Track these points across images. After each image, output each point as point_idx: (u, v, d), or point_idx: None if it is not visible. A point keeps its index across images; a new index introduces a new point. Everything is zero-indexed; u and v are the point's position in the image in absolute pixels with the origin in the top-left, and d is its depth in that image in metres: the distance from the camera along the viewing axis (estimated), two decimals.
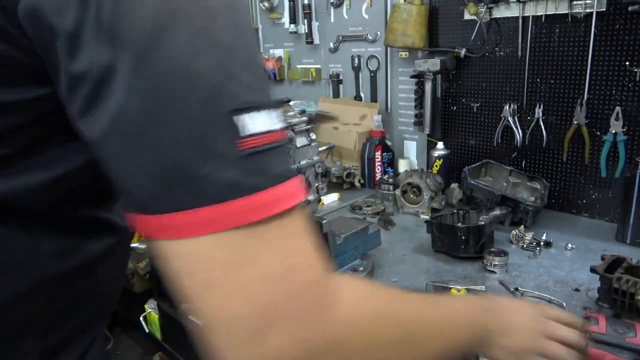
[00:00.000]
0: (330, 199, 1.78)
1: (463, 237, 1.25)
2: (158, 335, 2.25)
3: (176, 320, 2.03)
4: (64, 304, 0.56)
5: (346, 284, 0.46)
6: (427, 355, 0.52)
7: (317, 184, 1.04)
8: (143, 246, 2.23)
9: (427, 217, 1.56)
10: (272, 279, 0.40)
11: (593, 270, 0.99)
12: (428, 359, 0.52)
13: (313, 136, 1.01)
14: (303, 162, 1.00)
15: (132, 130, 0.38)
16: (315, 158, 1.02)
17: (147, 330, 2.26)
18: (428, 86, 1.74)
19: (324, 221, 1.06)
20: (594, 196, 1.50)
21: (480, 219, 1.35)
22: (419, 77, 1.79)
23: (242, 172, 0.39)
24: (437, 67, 1.67)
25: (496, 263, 1.19)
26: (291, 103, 2.16)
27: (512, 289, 1.10)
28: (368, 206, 1.71)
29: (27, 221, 0.50)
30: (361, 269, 1.18)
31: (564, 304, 1.04)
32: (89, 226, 0.56)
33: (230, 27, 0.41)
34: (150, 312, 2.27)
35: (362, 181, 1.91)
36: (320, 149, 1.08)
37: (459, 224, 1.30)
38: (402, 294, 0.56)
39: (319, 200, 1.07)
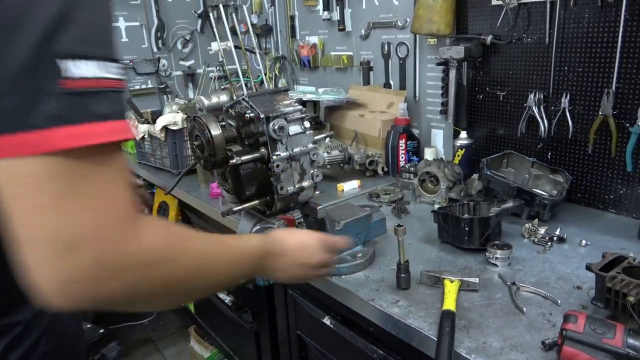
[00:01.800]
0: (351, 185, 1.81)
1: (467, 228, 1.23)
2: (191, 308, 2.39)
3: (207, 297, 2.15)
4: None
5: (152, 225, 0.56)
6: (215, 282, 0.71)
7: (312, 171, 1.07)
8: None
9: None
10: (88, 208, 0.49)
11: (588, 267, 0.96)
12: (216, 285, 0.75)
13: (307, 124, 1.04)
14: (297, 150, 1.02)
15: None
16: (310, 146, 1.05)
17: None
18: (452, 74, 1.70)
19: (319, 207, 1.09)
20: (621, 191, 1.42)
21: (491, 210, 1.33)
22: (445, 64, 1.75)
23: (62, 107, 0.47)
24: (461, 55, 1.63)
25: (498, 256, 1.17)
26: (320, 90, 2.19)
27: (508, 283, 1.08)
28: (386, 194, 1.72)
29: None
30: (359, 255, 1.21)
31: (559, 300, 1.01)
32: None
33: None
34: None
35: (385, 169, 1.92)
36: (317, 137, 1.10)
37: (465, 215, 1.29)
38: (199, 234, 0.67)
39: (315, 187, 1.10)
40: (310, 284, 1.26)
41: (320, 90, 2.19)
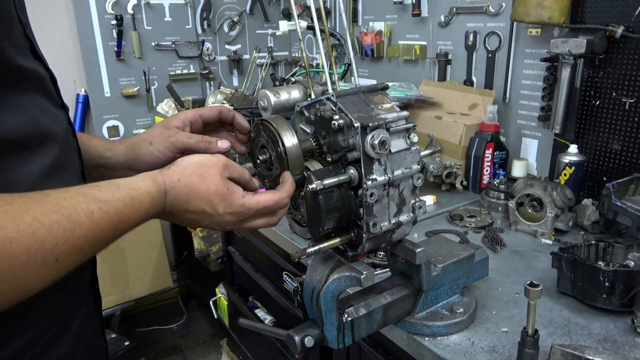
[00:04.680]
0: (426, 202, 1.50)
1: (607, 284, 0.92)
2: (226, 321, 2.16)
3: (243, 312, 1.90)
4: None
5: None
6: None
7: (413, 201, 0.78)
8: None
9: (549, 241, 1.24)
10: None
11: None
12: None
13: (415, 138, 0.75)
14: (398, 173, 0.74)
15: None
16: (415, 167, 0.76)
17: (215, 316, 2.18)
18: (565, 73, 1.37)
19: (419, 250, 0.80)
20: None
21: (629, 256, 1.01)
22: (553, 61, 1.42)
23: None
24: (582, 49, 1.30)
25: None
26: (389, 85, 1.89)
27: None
28: (471, 216, 1.41)
29: None
30: (460, 310, 0.91)
31: None
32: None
33: None
34: (220, 297, 2.18)
35: (465, 183, 1.61)
36: (423, 153, 0.81)
37: (601, 263, 0.97)
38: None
39: (414, 222, 0.81)
40: (387, 338, 0.98)
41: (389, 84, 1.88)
